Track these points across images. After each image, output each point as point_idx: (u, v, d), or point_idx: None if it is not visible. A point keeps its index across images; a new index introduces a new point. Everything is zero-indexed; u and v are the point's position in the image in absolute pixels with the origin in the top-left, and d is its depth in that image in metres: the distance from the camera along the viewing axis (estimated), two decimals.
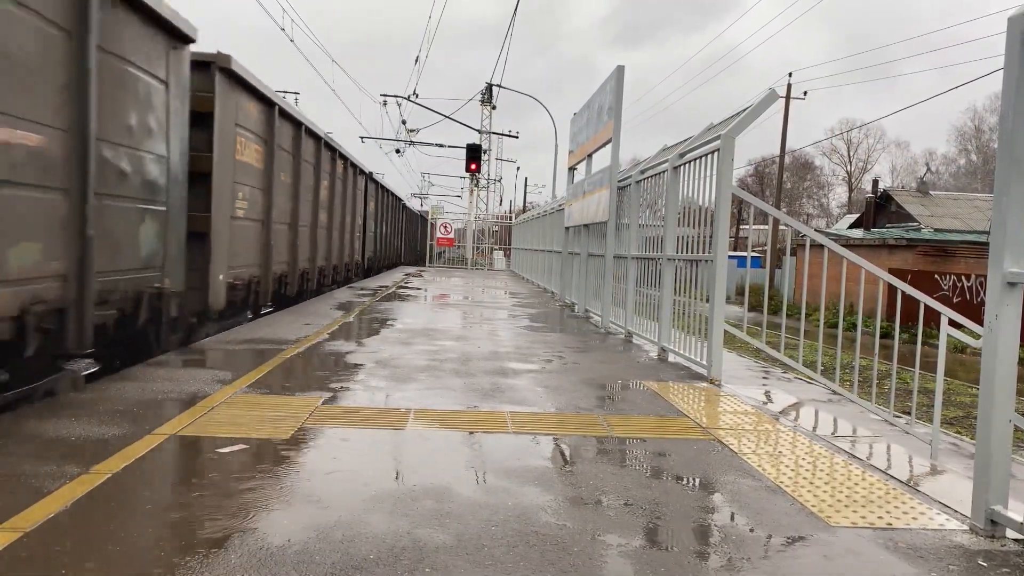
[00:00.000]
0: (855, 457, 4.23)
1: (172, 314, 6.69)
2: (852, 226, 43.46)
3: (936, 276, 24.64)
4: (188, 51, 6.83)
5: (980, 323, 3.33)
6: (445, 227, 35.19)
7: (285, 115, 10.33)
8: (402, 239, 33.09)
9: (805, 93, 38.30)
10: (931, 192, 39.97)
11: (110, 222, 5.42)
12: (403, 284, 18.99)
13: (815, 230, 13.30)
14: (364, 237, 19.92)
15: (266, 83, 9.05)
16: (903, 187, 52.93)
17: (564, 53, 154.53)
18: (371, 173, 20.59)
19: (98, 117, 4.99)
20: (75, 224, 4.87)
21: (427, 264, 34.98)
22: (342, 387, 5.44)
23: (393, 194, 28.29)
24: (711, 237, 6.53)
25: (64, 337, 4.87)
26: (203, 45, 7.07)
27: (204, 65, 7.45)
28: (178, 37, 6.47)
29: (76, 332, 4.93)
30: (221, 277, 7.86)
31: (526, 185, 58.64)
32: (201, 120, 7.32)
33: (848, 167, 72.67)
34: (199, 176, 7.32)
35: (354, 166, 16.87)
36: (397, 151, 44.16)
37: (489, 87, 38.80)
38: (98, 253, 5.07)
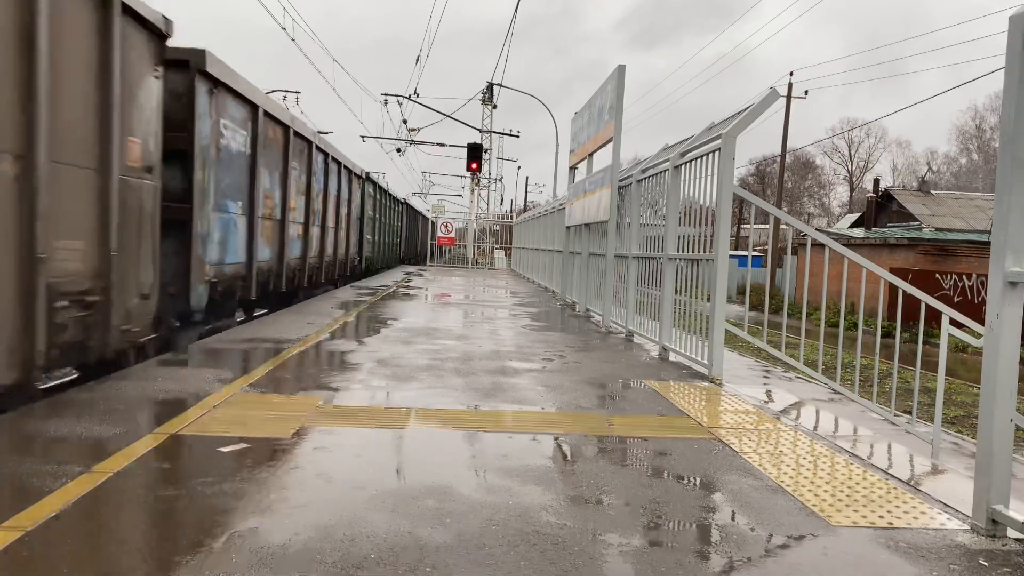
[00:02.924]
0: (856, 456, 4.23)
1: None
2: (853, 225, 43.43)
3: (937, 275, 24.62)
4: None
5: (981, 322, 3.33)
6: (446, 226, 35.14)
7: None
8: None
9: (806, 92, 38.29)
10: (932, 191, 39.95)
11: None
12: (404, 283, 18.98)
13: (816, 229, 13.29)
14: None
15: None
16: (904, 186, 52.91)
17: (580, 56, 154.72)
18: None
19: None
20: None
21: (428, 263, 34.95)
22: (343, 386, 5.45)
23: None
24: (712, 236, 6.53)
25: None
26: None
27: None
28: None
29: None
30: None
31: (527, 184, 58.76)
32: None
33: (849, 166, 72.62)
34: None
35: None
36: (398, 150, 44.17)
37: (490, 86, 38.76)
38: None
